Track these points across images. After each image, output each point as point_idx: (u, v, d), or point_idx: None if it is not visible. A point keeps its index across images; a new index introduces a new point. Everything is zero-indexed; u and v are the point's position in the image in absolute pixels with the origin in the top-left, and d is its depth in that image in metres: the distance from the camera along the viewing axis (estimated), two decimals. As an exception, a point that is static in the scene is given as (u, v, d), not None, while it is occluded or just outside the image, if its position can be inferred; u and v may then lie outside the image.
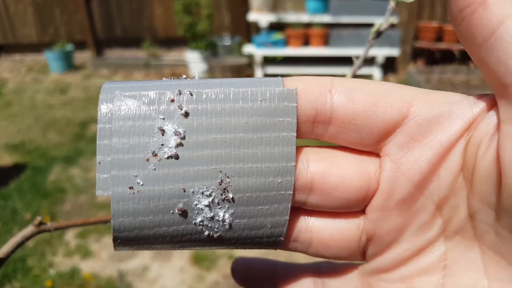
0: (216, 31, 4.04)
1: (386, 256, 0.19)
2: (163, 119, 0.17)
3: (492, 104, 0.16)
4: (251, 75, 3.69)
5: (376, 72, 3.72)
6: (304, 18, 3.73)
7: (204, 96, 0.17)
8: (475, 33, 0.15)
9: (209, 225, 0.18)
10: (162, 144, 0.17)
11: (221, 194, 0.18)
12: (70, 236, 1.82)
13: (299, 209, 0.20)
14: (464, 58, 3.73)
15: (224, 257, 1.66)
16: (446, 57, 3.69)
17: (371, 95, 0.18)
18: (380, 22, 0.30)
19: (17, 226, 1.88)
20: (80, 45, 4.43)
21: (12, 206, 2.01)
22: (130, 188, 0.17)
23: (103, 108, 0.17)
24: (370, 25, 3.23)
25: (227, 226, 0.18)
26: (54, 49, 4.12)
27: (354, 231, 0.20)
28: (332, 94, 0.18)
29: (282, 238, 0.19)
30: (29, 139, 2.76)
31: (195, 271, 1.61)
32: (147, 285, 1.56)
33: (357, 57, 0.32)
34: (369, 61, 3.74)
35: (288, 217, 0.19)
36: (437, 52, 3.76)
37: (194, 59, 3.82)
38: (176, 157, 0.17)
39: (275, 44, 3.70)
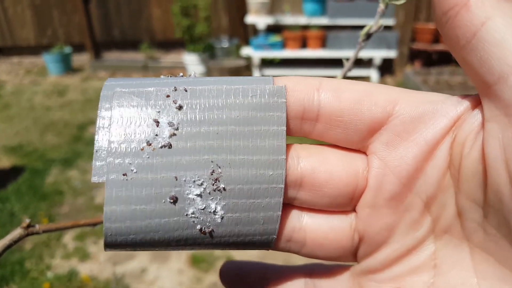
0: (214, 34, 4.05)
1: (377, 257, 0.20)
2: (158, 112, 0.18)
3: (476, 104, 0.17)
4: (249, 77, 3.68)
5: (373, 74, 3.72)
6: (302, 20, 3.73)
7: (198, 92, 0.19)
8: (458, 35, 0.15)
9: (201, 217, 0.18)
10: (156, 135, 0.18)
11: (213, 184, 0.18)
12: (68, 238, 1.82)
13: (291, 208, 0.20)
14: (461, 59, 3.72)
15: (222, 259, 1.66)
16: (443, 59, 3.69)
17: (356, 93, 0.18)
18: (370, 24, 0.30)
19: (15, 229, 1.87)
20: (79, 48, 4.42)
21: (10, 209, 2.00)
22: (124, 175, 0.17)
23: (104, 103, 0.18)
24: (367, 27, 3.22)
25: (218, 220, 0.18)
26: (52, 51, 4.12)
27: (347, 230, 0.20)
28: (320, 93, 0.18)
29: (274, 236, 0.19)
30: (27, 141, 2.75)
31: (193, 273, 1.61)
32: (145, 287, 1.56)
33: (348, 59, 0.32)
34: (366, 63, 3.74)
35: (280, 213, 0.19)
36: (434, 53, 3.76)
37: (192, 61, 3.82)
38: (169, 146, 0.18)
39: (272, 46, 3.70)
